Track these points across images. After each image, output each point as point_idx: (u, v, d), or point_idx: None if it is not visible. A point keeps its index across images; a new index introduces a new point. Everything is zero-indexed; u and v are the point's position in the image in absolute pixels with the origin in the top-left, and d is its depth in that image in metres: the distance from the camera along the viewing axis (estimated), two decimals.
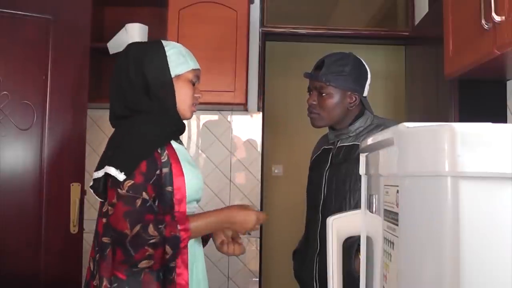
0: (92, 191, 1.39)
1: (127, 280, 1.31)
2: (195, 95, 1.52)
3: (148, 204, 1.30)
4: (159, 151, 1.37)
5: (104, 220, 1.36)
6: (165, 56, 1.46)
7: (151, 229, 1.25)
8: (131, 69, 1.44)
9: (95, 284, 1.36)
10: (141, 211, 1.27)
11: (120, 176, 1.28)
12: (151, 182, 1.33)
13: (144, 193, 1.30)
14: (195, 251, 1.46)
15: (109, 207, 1.30)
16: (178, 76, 1.47)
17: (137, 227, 1.25)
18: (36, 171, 2.14)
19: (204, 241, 1.61)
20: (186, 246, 1.33)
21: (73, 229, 2.17)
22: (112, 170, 1.29)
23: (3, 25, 2.11)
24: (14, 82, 2.12)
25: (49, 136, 2.16)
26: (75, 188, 2.19)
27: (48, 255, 2.12)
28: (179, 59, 1.47)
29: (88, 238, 2.50)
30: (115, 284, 1.31)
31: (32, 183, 2.13)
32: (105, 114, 2.96)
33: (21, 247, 2.10)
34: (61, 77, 2.20)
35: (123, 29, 2.76)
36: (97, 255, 1.37)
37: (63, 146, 2.19)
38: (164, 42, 1.51)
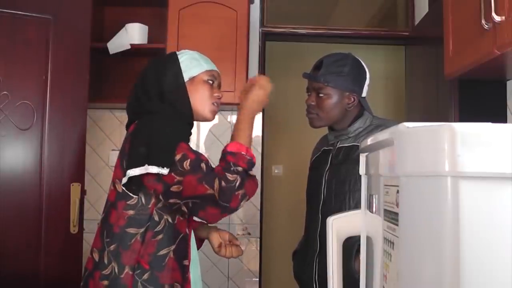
0: (124, 188, 1.40)
1: (149, 269, 1.36)
2: (215, 94, 1.55)
3: (209, 164, 1.38)
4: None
5: (130, 212, 1.39)
6: (178, 63, 1.52)
7: (229, 175, 1.34)
8: (148, 81, 1.51)
9: (106, 273, 1.37)
10: (210, 171, 1.35)
11: (164, 171, 1.33)
12: (201, 154, 1.41)
13: (203, 161, 1.37)
14: (192, 253, 1.47)
15: (174, 187, 1.33)
16: (192, 79, 1.52)
17: (217, 183, 1.32)
18: (36, 171, 2.14)
19: (200, 240, 1.62)
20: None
21: (73, 229, 2.17)
22: (154, 169, 1.33)
23: (3, 25, 2.11)
24: (14, 82, 2.12)
25: (49, 136, 2.16)
26: (75, 188, 2.19)
27: (48, 255, 2.12)
28: (191, 63, 1.53)
29: (88, 238, 2.50)
30: (138, 271, 1.36)
31: (32, 183, 2.13)
32: (105, 114, 2.99)
33: (21, 247, 2.10)
34: (61, 77, 2.20)
35: (123, 29, 2.76)
36: (112, 245, 1.38)
37: (63, 146, 2.19)
38: (179, 52, 1.58)
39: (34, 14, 2.16)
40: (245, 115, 1.49)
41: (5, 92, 2.09)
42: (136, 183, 1.38)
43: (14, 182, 2.11)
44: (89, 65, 2.28)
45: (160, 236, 1.38)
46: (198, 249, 1.59)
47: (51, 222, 2.14)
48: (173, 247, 1.39)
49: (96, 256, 1.42)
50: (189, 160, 1.34)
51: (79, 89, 2.24)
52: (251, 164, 1.40)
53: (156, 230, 1.38)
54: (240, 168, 1.36)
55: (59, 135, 2.19)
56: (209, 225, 1.66)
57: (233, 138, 1.47)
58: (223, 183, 1.32)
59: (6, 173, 2.10)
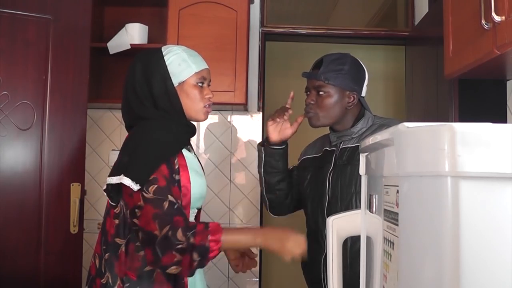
0: (105, 194, 1.40)
1: (137, 281, 1.35)
2: (206, 96, 1.50)
3: (176, 207, 1.31)
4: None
5: (116, 221, 1.39)
6: (165, 66, 1.46)
7: (179, 234, 1.26)
8: (137, 83, 1.46)
9: (104, 282, 1.38)
10: (169, 213, 1.29)
11: (135, 187, 1.30)
12: (175, 185, 1.35)
13: (169, 196, 1.31)
14: None
15: (136, 210, 1.31)
16: (181, 84, 1.47)
17: (166, 229, 1.26)
18: (36, 171, 2.14)
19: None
20: (215, 257, 1.31)
21: (73, 229, 2.17)
22: (127, 181, 1.30)
23: (3, 25, 2.11)
24: (14, 82, 2.12)
25: (49, 136, 2.16)
26: (75, 188, 2.19)
27: (48, 255, 2.12)
28: (180, 66, 1.46)
29: (88, 238, 2.50)
30: (127, 284, 1.34)
31: (32, 183, 2.13)
32: (105, 114, 3.00)
33: (21, 247, 2.10)
34: (61, 77, 2.20)
35: (123, 29, 2.76)
36: (107, 254, 1.39)
37: (63, 146, 2.19)
38: (164, 49, 1.50)
39: (34, 14, 2.16)
40: (256, 237, 1.36)
41: (5, 92, 2.09)
42: (115, 190, 1.37)
43: (14, 182, 2.11)
44: (89, 65, 2.28)
45: (143, 252, 1.35)
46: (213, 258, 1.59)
47: (51, 222, 2.14)
48: None
49: (97, 262, 1.43)
50: (156, 186, 1.30)
51: (79, 89, 2.23)
52: (203, 251, 1.26)
53: (137, 244, 1.36)
54: (192, 240, 1.26)
55: (59, 135, 2.19)
56: None
57: (233, 229, 1.38)
58: (170, 233, 1.25)
59: (6, 173, 2.09)
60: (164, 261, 1.27)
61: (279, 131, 1.75)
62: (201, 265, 1.30)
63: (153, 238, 1.27)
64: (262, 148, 1.79)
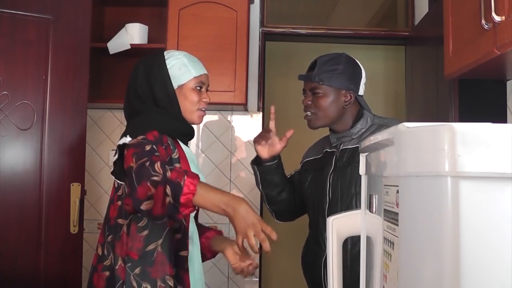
0: (113, 176, 1.47)
1: (138, 261, 1.38)
2: (203, 99, 1.56)
3: (156, 153, 1.33)
4: (169, 142, 1.45)
5: (119, 202, 1.44)
6: (166, 70, 1.53)
7: (157, 165, 1.24)
8: (139, 85, 1.53)
9: (107, 264, 1.42)
10: (149, 152, 1.31)
11: (127, 139, 1.36)
12: (163, 146, 1.40)
13: (153, 145, 1.35)
14: (192, 250, 1.48)
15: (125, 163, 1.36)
16: (181, 87, 1.54)
17: (144, 159, 1.26)
18: (36, 171, 2.14)
19: (213, 251, 1.62)
20: (189, 206, 1.23)
21: (73, 229, 2.17)
22: (121, 140, 1.38)
23: (3, 25, 2.11)
24: (14, 82, 2.12)
25: (49, 136, 2.16)
26: (75, 188, 2.19)
27: (48, 255, 2.12)
28: (180, 70, 1.53)
29: (88, 238, 2.50)
30: (129, 264, 1.38)
31: (32, 183, 2.13)
32: (105, 114, 3.00)
33: (21, 247, 2.10)
34: (61, 77, 2.20)
35: (123, 29, 2.76)
36: (110, 236, 1.43)
37: (63, 146, 2.19)
38: (166, 54, 1.57)
39: (34, 14, 2.16)
40: (228, 201, 1.24)
41: (5, 92, 2.09)
42: (119, 168, 1.42)
43: (14, 182, 2.11)
44: (89, 65, 2.28)
45: (145, 232, 1.40)
46: (210, 258, 1.62)
47: (51, 222, 2.14)
48: (160, 241, 1.40)
49: (99, 251, 1.47)
50: (143, 136, 1.36)
51: (79, 89, 2.24)
52: (176, 188, 1.21)
53: (140, 225, 1.41)
54: (168, 174, 1.22)
55: (59, 135, 2.19)
56: (221, 237, 1.62)
57: (210, 186, 1.30)
58: (147, 163, 1.24)
59: (6, 173, 2.09)
60: (139, 192, 1.21)
61: (268, 148, 1.76)
62: (174, 208, 1.22)
63: (130, 170, 1.27)
64: (255, 166, 1.81)
